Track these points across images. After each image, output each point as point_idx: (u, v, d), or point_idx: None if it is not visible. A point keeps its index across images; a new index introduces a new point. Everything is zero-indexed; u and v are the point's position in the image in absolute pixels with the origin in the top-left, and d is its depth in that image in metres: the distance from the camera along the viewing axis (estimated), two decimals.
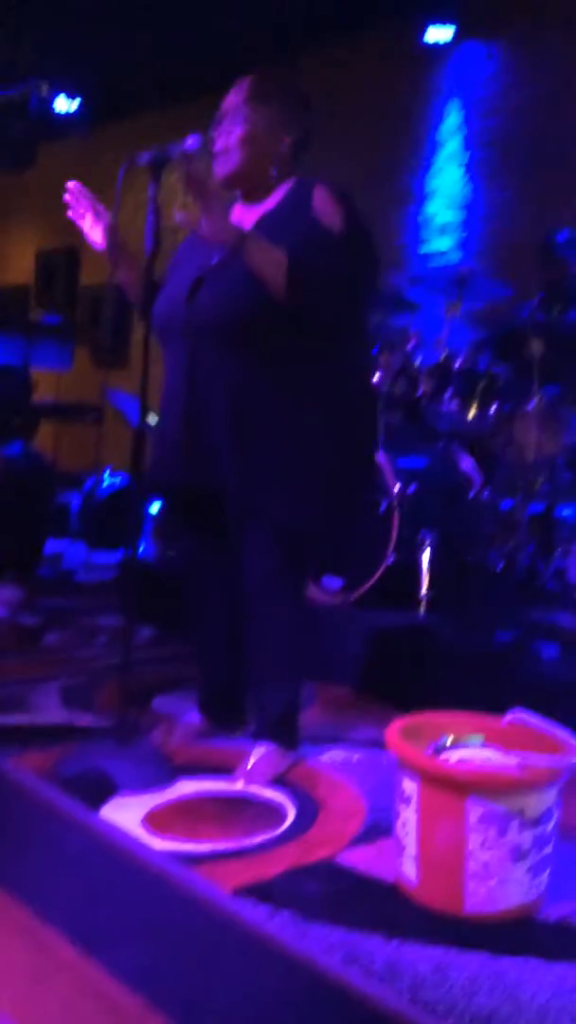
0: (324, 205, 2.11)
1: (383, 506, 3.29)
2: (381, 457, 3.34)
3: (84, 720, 2.55)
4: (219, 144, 2.18)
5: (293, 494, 2.13)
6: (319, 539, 2.44)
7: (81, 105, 6.58)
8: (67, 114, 6.57)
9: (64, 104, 6.57)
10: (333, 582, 3.38)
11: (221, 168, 2.19)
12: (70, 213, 2.29)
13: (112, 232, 2.27)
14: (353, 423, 2.23)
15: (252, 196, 2.24)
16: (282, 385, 2.11)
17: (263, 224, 2.16)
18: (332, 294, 2.06)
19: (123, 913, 1.77)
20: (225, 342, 2.11)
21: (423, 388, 3.59)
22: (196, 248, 2.30)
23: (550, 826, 1.66)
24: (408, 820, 1.68)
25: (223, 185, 2.25)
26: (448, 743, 1.75)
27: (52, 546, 5.06)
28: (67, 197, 2.27)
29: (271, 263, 2.01)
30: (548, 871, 1.68)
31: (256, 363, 2.10)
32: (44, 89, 6.43)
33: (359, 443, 2.28)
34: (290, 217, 2.13)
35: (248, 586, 2.25)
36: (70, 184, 2.27)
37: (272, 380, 2.11)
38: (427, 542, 3.24)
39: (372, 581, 3.27)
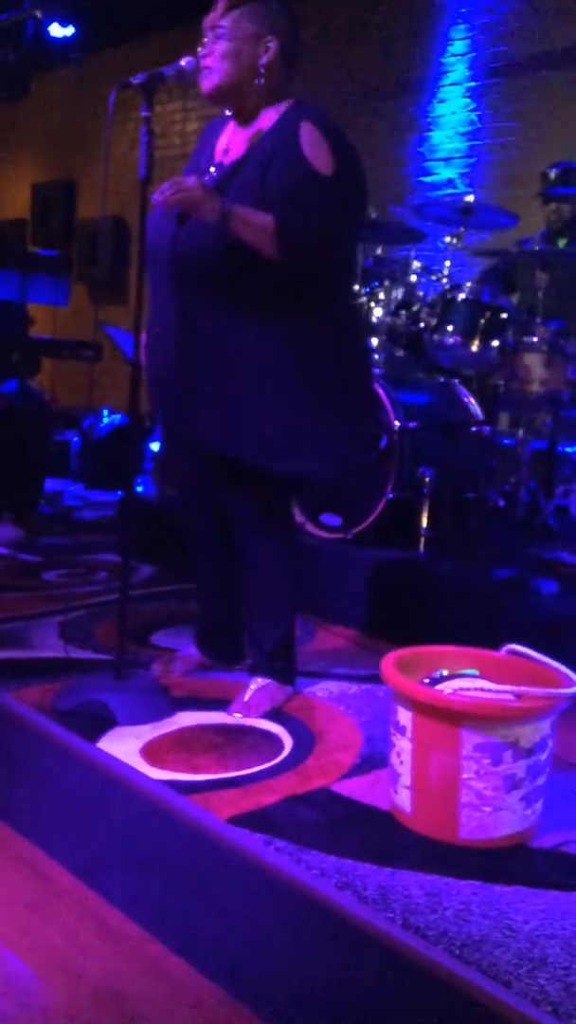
0: (313, 144, 2.04)
1: (383, 441, 3.26)
2: (382, 391, 3.30)
3: (83, 655, 2.56)
4: (204, 61, 2.11)
5: (268, 437, 2.10)
6: (303, 480, 2.40)
7: (76, 32, 6.39)
8: (62, 41, 6.39)
9: (59, 31, 6.38)
10: (332, 519, 3.36)
11: (207, 84, 2.13)
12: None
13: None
14: (338, 363, 2.17)
15: (243, 114, 2.17)
16: (262, 325, 2.07)
17: (252, 153, 2.10)
18: (321, 243, 2.02)
19: (121, 842, 1.79)
20: (208, 278, 2.07)
21: (425, 321, 3.53)
22: (194, 166, 2.25)
23: (544, 756, 1.66)
24: (403, 750, 1.69)
25: (210, 101, 2.18)
26: (443, 675, 1.75)
27: (51, 485, 5.05)
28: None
29: (257, 231, 1.98)
30: (542, 801, 1.69)
31: (238, 300, 2.06)
32: (38, 15, 6.24)
33: (345, 382, 2.21)
34: (279, 150, 2.06)
35: (236, 524, 2.24)
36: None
37: (252, 319, 2.07)
38: (428, 478, 3.22)
39: (371, 518, 3.25)
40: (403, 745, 1.68)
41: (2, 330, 4.46)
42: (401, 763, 1.69)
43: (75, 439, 5.99)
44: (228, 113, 2.23)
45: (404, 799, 1.70)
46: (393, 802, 1.74)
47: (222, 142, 2.22)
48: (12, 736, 2.10)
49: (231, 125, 2.22)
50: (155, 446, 4.67)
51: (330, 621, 3.03)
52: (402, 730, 1.68)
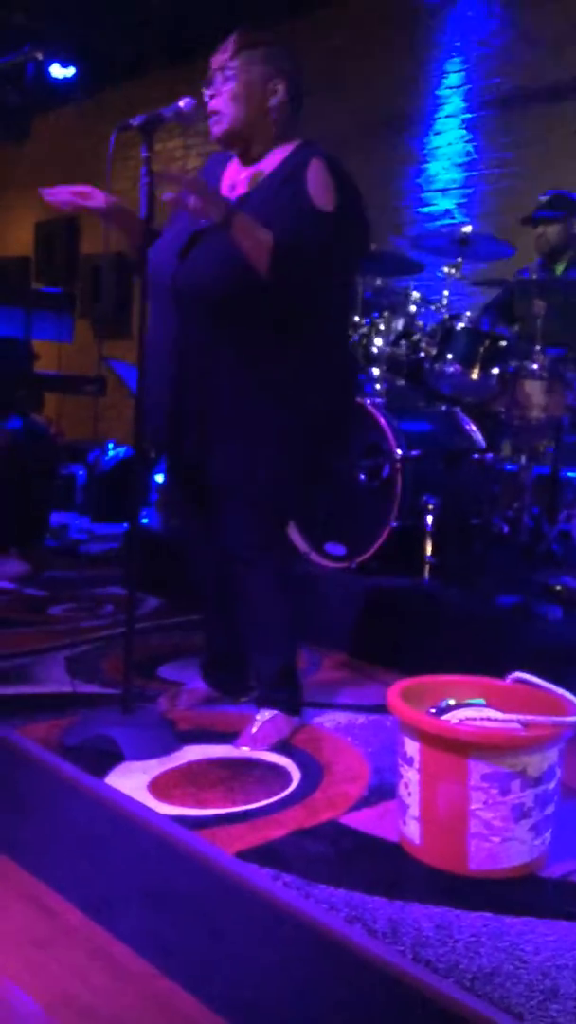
0: (318, 181, 2.08)
1: (386, 470, 3.27)
2: (383, 420, 3.32)
3: (90, 689, 2.56)
4: (212, 104, 2.14)
5: (257, 467, 2.13)
6: (290, 509, 2.43)
7: (76, 72, 6.50)
8: (63, 81, 6.49)
9: (60, 71, 6.49)
10: (337, 548, 3.37)
11: (217, 128, 2.16)
12: (65, 206, 2.22)
13: (106, 193, 2.23)
14: (326, 395, 2.20)
15: (248, 154, 2.20)
16: (258, 354, 2.10)
17: (258, 188, 2.13)
18: (314, 275, 2.06)
19: (129, 878, 1.79)
20: (209, 305, 2.10)
21: (425, 350, 3.56)
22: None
23: (552, 785, 1.66)
24: (411, 781, 1.68)
25: (219, 144, 2.22)
26: (450, 705, 1.75)
27: (57, 518, 5.07)
28: (51, 198, 2.20)
29: (256, 242, 2.00)
30: (551, 830, 1.68)
31: (235, 330, 2.09)
32: (39, 57, 6.35)
33: (332, 414, 2.25)
34: (284, 186, 2.10)
35: (230, 554, 2.26)
36: (45, 194, 2.21)
37: (248, 349, 2.10)
38: (431, 506, 3.22)
39: (376, 547, 3.26)
40: (411, 776, 1.68)
41: (7, 366, 4.51)
42: (409, 794, 1.69)
43: (80, 472, 6.02)
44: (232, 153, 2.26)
45: (413, 830, 1.69)
46: (402, 834, 1.74)
47: (228, 178, 2.25)
48: (19, 772, 2.10)
49: (235, 161, 2.26)
50: (159, 478, 4.70)
51: (336, 650, 3.03)
52: (409, 761, 1.68)
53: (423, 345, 3.61)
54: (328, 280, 2.10)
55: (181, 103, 2.17)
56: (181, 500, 2.43)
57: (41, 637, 3.07)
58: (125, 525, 5.10)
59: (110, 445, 5.97)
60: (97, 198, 2.21)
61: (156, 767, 2.05)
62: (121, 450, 5.91)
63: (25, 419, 4.33)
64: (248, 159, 2.21)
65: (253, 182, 2.17)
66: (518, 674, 1.81)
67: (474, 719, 1.69)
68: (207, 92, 2.16)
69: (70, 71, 6.48)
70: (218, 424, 2.13)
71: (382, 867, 1.68)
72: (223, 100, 2.14)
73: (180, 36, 6.25)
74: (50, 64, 6.45)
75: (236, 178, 2.22)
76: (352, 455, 3.30)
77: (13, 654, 2.85)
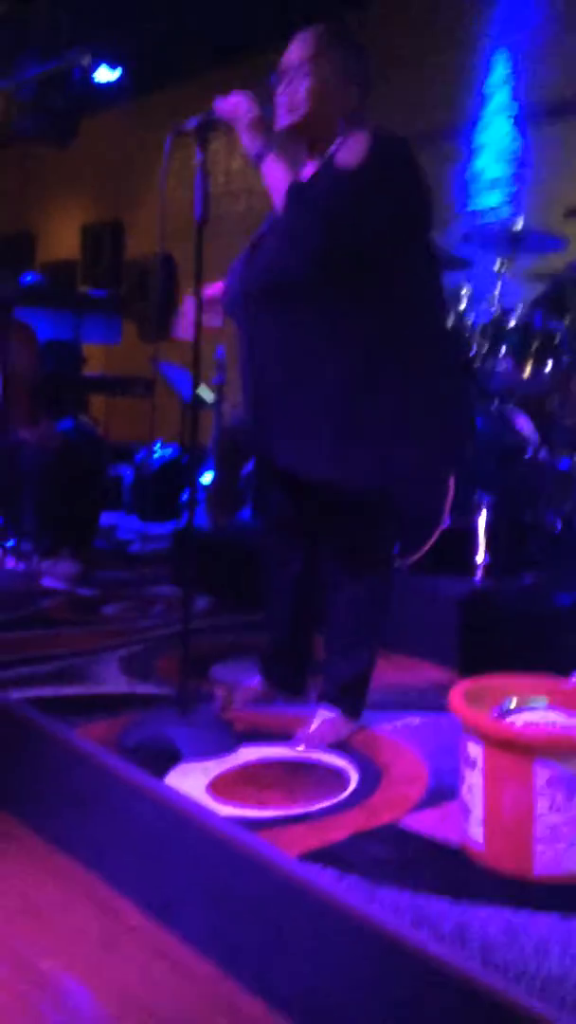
0: (348, 147, 2.06)
1: None
2: None
3: (145, 689, 2.58)
4: (285, 98, 2.13)
5: (351, 458, 2.08)
6: (395, 504, 2.33)
7: (122, 75, 6.54)
8: (108, 84, 6.53)
9: (106, 74, 6.53)
10: None
11: (286, 118, 2.14)
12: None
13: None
14: (420, 375, 2.10)
15: (316, 147, 2.18)
16: (335, 342, 2.06)
17: (296, 183, 2.12)
18: (332, 226, 1.98)
19: (191, 879, 1.79)
20: (274, 304, 2.11)
21: (476, 347, 3.52)
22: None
23: None
24: (474, 784, 1.66)
25: (286, 134, 2.19)
26: (512, 706, 1.73)
27: (106, 518, 5.11)
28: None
29: (277, 180, 2.05)
30: None
31: (310, 320, 2.08)
32: (86, 60, 6.40)
33: (429, 396, 2.12)
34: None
35: (332, 554, 2.24)
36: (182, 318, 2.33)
37: (326, 338, 2.07)
38: (484, 504, 3.19)
39: (428, 546, 3.24)
40: (474, 779, 1.66)
41: (58, 369, 4.56)
42: (472, 797, 1.67)
43: (128, 472, 6.06)
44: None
45: (476, 834, 1.67)
46: (465, 837, 1.72)
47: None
48: (79, 773, 2.11)
49: (306, 158, 2.24)
50: (207, 478, 4.71)
51: (389, 651, 3.01)
52: (472, 764, 1.66)
53: (474, 342, 3.57)
54: (357, 245, 1.99)
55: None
56: (277, 502, 2.39)
57: (95, 637, 3.09)
58: (172, 525, 5.13)
59: (157, 445, 6.01)
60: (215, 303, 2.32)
61: (215, 767, 2.06)
62: (168, 450, 5.94)
63: (75, 420, 4.37)
64: (315, 149, 2.20)
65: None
66: None
67: (538, 721, 1.67)
68: (281, 85, 2.14)
69: (116, 74, 6.52)
70: (305, 417, 2.08)
71: (445, 871, 1.66)
72: (300, 96, 2.13)
73: (224, 38, 6.26)
74: (96, 67, 6.49)
75: (306, 172, 2.21)
76: None
77: (69, 654, 2.88)
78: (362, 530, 2.21)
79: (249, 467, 4.44)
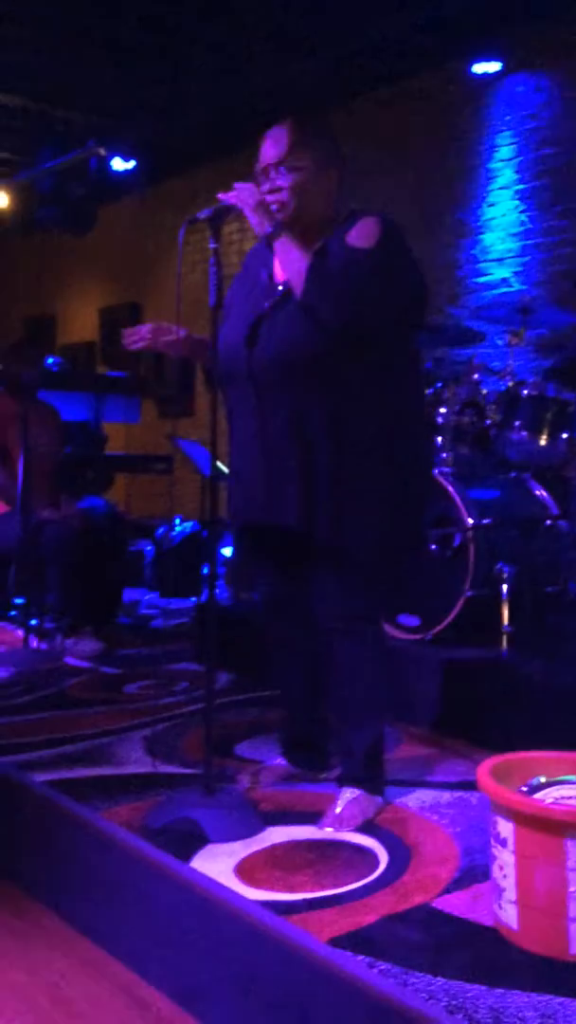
0: (359, 230, 2.16)
1: (457, 539, 3.26)
2: (452, 489, 3.31)
3: (170, 769, 2.56)
4: (275, 196, 2.20)
5: (365, 525, 2.16)
6: (390, 573, 2.42)
7: (136, 165, 6.76)
8: (123, 173, 6.76)
9: (120, 164, 6.76)
10: (410, 620, 3.34)
11: (280, 216, 2.22)
12: (145, 344, 2.42)
13: (187, 338, 2.42)
14: (411, 448, 2.26)
15: (307, 236, 2.24)
16: (346, 411, 2.15)
17: (315, 259, 2.18)
18: (350, 306, 2.07)
19: (218, 965, 1.76)
20: (288, 380, 2.15)
21: (491, 418, 3.56)
22: (244, 289, 2.35)
23: None
24: (506, 863, 1.64)
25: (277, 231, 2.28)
26: (542, 782, 1.71)
27: (128, 594, 5.13)
28: (137, 340, 2.42)
29: (293, 261, 2.11)
30: None
31: (318, 395, 2.14)
32: (102, 152, 6.64)
33: (417, 469, 2.32)
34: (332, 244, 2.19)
35: (324, 627, 2.25)
36: (134, 332, 2.42)
37: (336, 408, 2.15)
38: (506, 574, 3.19)
39: (451, 617, 3.23)
40: (505, 858, 1.64)
41: (80, 449, 4.63)
42: (504, 877, 1.64)
43: (148, 548, 6.10)
44: None
45: (509, 915, 1.64)
46: (498, 918, 1.69)
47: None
48: (104, 856, 2.09)
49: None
50: (227, 551, 4.73)
51: (414, 725, 2.99)
52: (503, 842, 1.64)
53: (489, 413, 3.61)
54: (378, 321, 2.11)
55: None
56: (267, 573, 2.44)
57: (119, 716, 3.08)
58: (193, 600, 5.14)
59: (177, 520, 6.06)
60: (173, 333, 2.38)
61: (241, 850, 2.03)
62: (188, 525, 5.98)
63: (96, 499, 4.42)
64: (306, 239, 2.26)
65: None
66: None
67: (568, 797, 1.64)
68: (265, 185, 2.21)
69: (130, 164, 6.74)
70: (323, 486, 2.15)
71: (479, 953, 1.63)
72: (285, 193, 2.20)
73: (235, 129, 6.49)
74: (111, 158, 6.73)
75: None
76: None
77: (93, 735, 2.87)
78: (355, 602, 2.23)
79: None
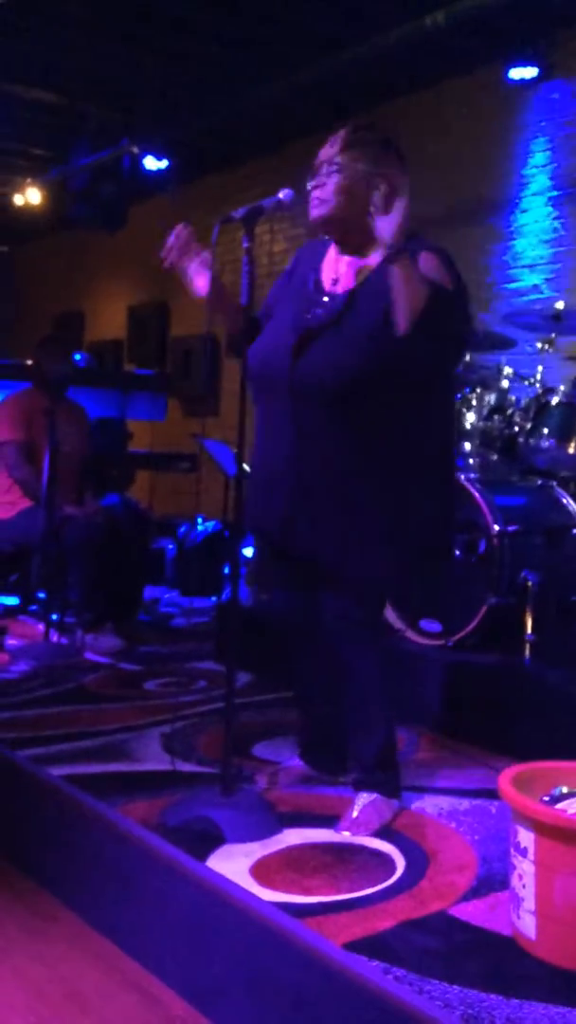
0: (431, 267, 2.12)
1: (482, 546, 3.23)
2: (478, 495, 3.29)
3: (188, 767, 2.55)
4: (315, 193, 2.21)
5: (367, 550, 2.18)
6: (404, 595, 2.49)
7: (169, 164, 6.78)
8: (156, 172, 6.77)
9: (153, 164, 6.77)
10: (432, 625, 3.32)
11: (317, 212, 2.22)
12: (171, 259, 2.32)
13: (215, 281, 2.31)
14: (441, 477, 2.30)
15: (346, 243, 2.24)
16: (373, 436, 2.15)
17: (366, 288, 2.17)
18: (446, 344, 2.14)
19: (233, 966, 1.75)
20: (330, 401, 2.13)
21: (519, 425, 3.54)
22: (292, 290, 2.33)
23: None
24: (525, 872, 1.62)
25: (316, 227, 2.28)
26: (563, 792, 1.69)
27: (149, 592, 5.13)
28: (172, 240, 2.31)
29: (415, 283, 2.00)
30: None
31: (362, 425, 2.14)
32: (134, 151, 6.66)
33: (445, 499, 2.33)
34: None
35: (330, 636, 2.27)
36: (179, 227, 2.31)
37: (365, 433, 2.15)
38: (530, 582, 3.16)
39: (473, 624, 3.20)
40: (525, 868, 1.62)
41: (105, 446, 4.64)
42: (523, 886, 1.63)
43: (170, 547, 6.10)
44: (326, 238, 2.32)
45: (528, 925, 1.62)
46: (516, 927, 1.67)
47: (328, 269, 2.29)
48: (120, 852, 2.09)
49: (333, 251, 2.31)
50: (249, 551, 4.73)
51: (434, 731, 2.97)
52: (523, 852, 1.62)
53: (517, 420, 3.59)
54: (450, 354, 2.21)
55: (281, 195, 2.24)
56: (284, 579, 2.44)
57: (138, 713, 3.08)
58: (214, 599, 5.14)
59: (199, 519, 6.06)
60: (205, 276, 2.31)
61: (258, 851, 2.03)
62: (210, 524, 5.98)
63: (121, 496, 4.43)
64: (347, 248, 2.25)
65: (360, 276, 2.21)
66: None
67: None
68: (312, 181, 2.22)
69: (163, 163, 6.75)
70: (333, 506, 2.16)
71: (496, 962, 1.61)
72: (327, 191, 2.20)
73: (267, 129, 6.48)
74: (144, 157, 6.74)
75: (339, 271, 2.26)
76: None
77: (111, 730, 2.87)
78: (361, 615, 2.25)
79: None
